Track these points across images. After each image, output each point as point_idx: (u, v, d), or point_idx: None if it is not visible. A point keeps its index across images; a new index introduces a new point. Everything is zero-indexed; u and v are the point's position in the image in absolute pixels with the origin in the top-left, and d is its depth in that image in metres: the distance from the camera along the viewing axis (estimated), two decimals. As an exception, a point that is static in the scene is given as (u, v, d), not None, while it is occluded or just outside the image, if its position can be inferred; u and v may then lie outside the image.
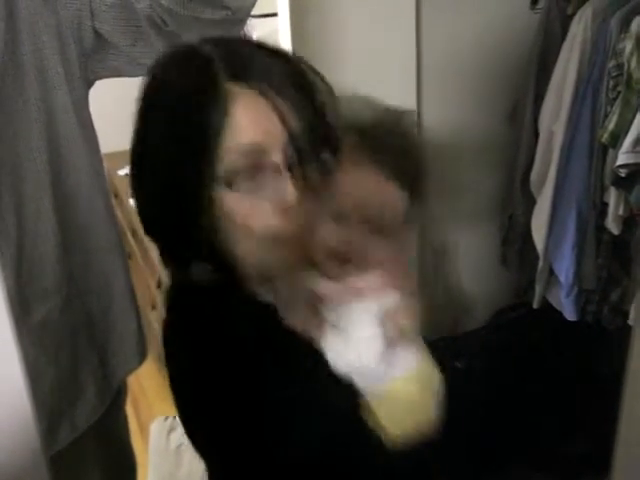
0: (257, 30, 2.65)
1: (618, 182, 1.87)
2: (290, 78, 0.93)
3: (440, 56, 2.16)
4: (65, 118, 1.30)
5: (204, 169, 0.90)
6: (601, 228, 2.01)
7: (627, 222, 1.94)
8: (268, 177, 0.91)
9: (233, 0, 1.23)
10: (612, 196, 1.92)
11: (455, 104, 2.24)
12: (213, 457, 1.05)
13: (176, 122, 0.93)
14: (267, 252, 0.96)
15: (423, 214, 1.09)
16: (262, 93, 0.90)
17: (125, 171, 3.90)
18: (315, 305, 1.00)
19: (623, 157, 1.81)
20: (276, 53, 0.97)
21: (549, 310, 2.20)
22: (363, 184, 0.99)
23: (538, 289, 2.20)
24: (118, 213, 3.77)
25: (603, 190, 1.98)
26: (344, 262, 0.97)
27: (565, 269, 2.07)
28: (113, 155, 3.92)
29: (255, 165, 0.91)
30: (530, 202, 2.20)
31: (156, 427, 2.48)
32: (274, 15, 2.01)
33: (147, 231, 1.04)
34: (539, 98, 2.12)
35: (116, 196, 3.78)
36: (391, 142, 1.01)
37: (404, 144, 1.03)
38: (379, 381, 1.00)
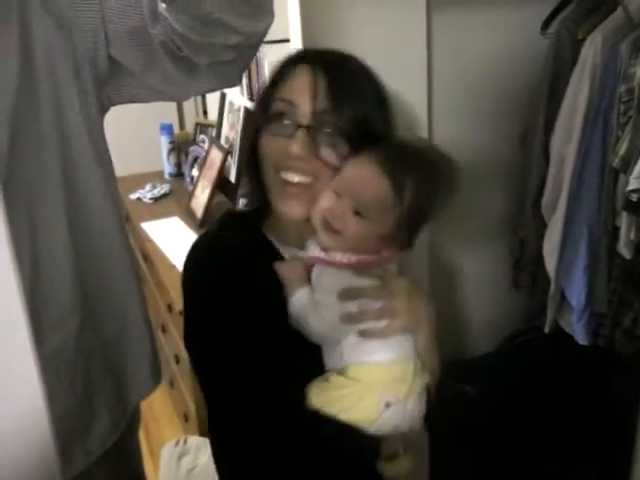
0: (269, 56, 2.67)
1: (629, 206, 1.87)
2: (342, 71, 1.27)
3: (451, 80, 2.17)
4: (79, 143, 1.31)
5: (263, 112, 1.29)
6: (613, 252, 2.00)
7: (639, 246, 1.93)
8: (290, 129, 1.23)
9: (246, 25, 1.23)
10: (623, 220, 1.92)
11: (466, 127, 2.24)
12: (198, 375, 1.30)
13: (267, 84, 1.33)
14: (279, 190, 1.26)
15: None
16: (313, 73, 1.24)
17: (137, 195, 3.92)
18: (306, 264, 1.24)
19: (634, 182, 1.80)
20: (346, 59, 1.32)
21: (561, 334, 2.19)
22: (360, 171, 1.19)
23: (549, 313, 2.19)
24: (130, 237, 3.79)
25: (615, 214, 1.97)
26: (332, 230, 1.20)
27: (577, 293, 2.06)
28: (125, 179, 3.95)
29: (287, 116, 1.24)
30: (541, 226, 2.19)
31: (166, 452, 2.48)
32: (286, 41, 2.02)
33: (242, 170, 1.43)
34: (550, 122, 2.12)
35: (127, 220, 3.79)
36: (392, 144, 1.26)
37: (403, 150, 1.25)
38: (352, 363, 1.17)
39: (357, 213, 1.18)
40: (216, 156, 3.59)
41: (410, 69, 2.02)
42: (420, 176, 1.20)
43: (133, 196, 3.92)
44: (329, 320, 1.16)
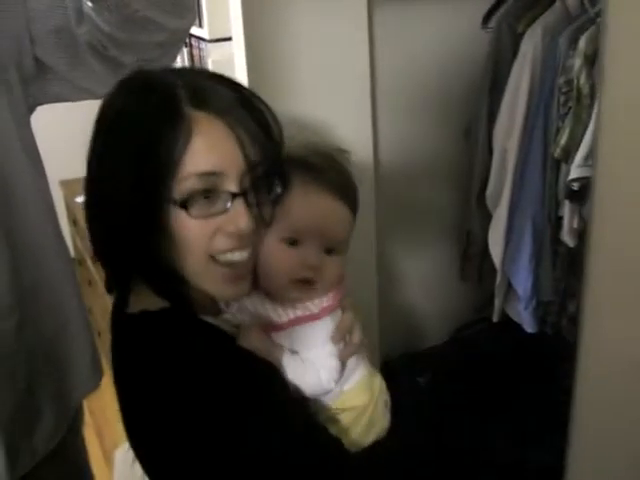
0: (212, 55, 2.67)
1: (572, 196, 1.90)
2: (248, 109, 0.97)
3: (394, 76, 2.18)
4: (8, 144, 1.30)
5: (162, 191, 0.92)
6: (557, 241, 2.04)
7: (582, 235, 1.97)
8: (222, 203, 0.95)
9: (171, 22, 1.25)
10: (566, 210, 1.96)
11: (410, 123, 2.26)
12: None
13: (138, 146, 0.94)
14: (218, 277, 1.00)
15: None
16: (225, 122, 0.94)
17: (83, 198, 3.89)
18: (267, 331, 1.06)
19: (575, 171, 1.84)
20: (230, 83, 1.01)
21: (509, 323, 2.23)
22: (320, 208, 1.04)
23: (497, 303, 2.23)
24: (77, 240, 3.74)
25: (558, 204, 2.01)
26: (305, 284, 1.04)
27: (523, 282, 2.10)
28: (71, 182, 3.91)
29: (211, 190, 0.94)
30: (487, 217, 2.23)
31: (120, 455, 2.46)
32: (229, 40, 2.02)
33: (97, 254, 1.05)
34: (492, 115, 2.15)
35: (75, 223, 3.75)
36: (331, 169, 1.08)
37: (342, 171, 1.10)
38: (335, 396, 1.08)
39: (329, 251, 1.06)
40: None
41: (353, 66, 2.03)
42: (356, 185, 1.11)
43: (80, 199, 3.87)
44: (330, 373, 1.06)
